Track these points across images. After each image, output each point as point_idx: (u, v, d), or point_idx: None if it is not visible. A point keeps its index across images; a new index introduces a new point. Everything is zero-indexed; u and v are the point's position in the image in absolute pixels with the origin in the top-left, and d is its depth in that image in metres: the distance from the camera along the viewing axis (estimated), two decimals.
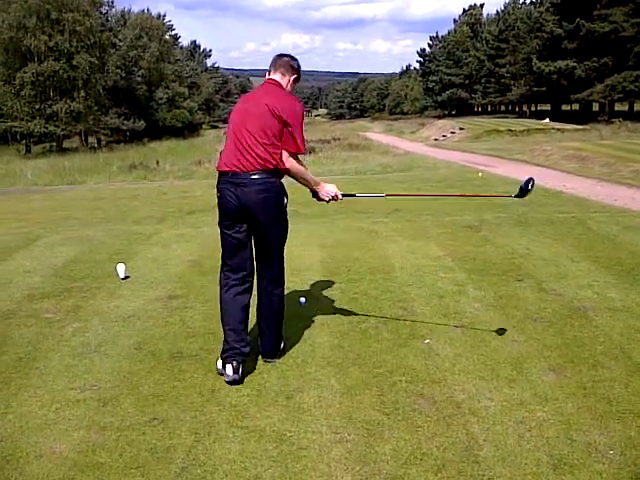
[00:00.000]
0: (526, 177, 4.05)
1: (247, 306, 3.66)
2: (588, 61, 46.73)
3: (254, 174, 3.48)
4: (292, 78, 3.76)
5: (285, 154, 3.58)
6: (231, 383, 3.47)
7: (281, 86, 3.71)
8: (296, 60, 3.79)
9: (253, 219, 3.55)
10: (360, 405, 3.24)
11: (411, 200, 10.92)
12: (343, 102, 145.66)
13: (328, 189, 3.97)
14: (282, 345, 3.88)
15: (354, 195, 4.39)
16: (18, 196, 15.52)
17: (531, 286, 5.22)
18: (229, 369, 3.46)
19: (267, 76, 3.75)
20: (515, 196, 4.09)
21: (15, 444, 2.94)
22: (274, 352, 3.82)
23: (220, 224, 3.63)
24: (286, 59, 3.76)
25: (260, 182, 3.49)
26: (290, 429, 3.02)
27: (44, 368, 3.79)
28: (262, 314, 3.79)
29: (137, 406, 3.29)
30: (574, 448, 2.82)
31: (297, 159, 3.69)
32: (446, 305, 4.77)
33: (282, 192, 3.66)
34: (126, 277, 5.70)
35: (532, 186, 4.01)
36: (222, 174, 3.56)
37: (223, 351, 3.56)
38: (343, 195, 4.03)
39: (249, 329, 3.72)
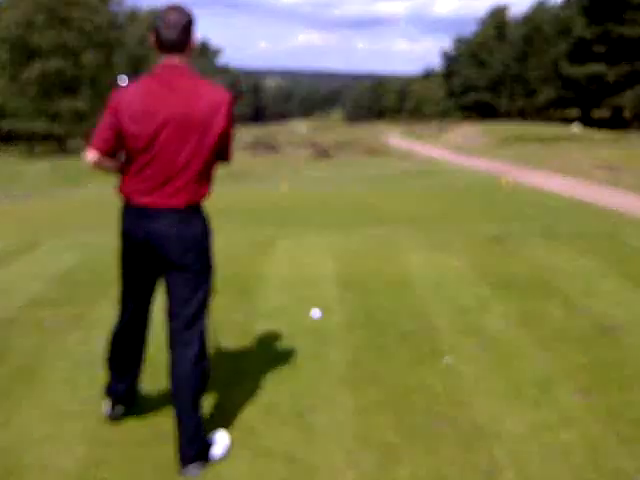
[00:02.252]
0: None
1: None
2: (618, 65, 46.54)
3: (187, 210, 3.09)
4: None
5: None
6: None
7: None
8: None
9: None
10: (376, 426, 3.24)
11: (431, 208, 10.93)
12: (361, 104, 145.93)
13: None
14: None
15: None
16: (20, 199, 15.70)
17: (558, 302, 5.19)
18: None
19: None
20: None
21: (17, 456, 2.97)
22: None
23: None
24: None
25: (182, 218, 3.08)
26: (301, 450, 3.02)
27: (46, 379, 3.82)
28: None
29: (141, 421, 3.30)
30: (601, 474, 2.80)
31: None
32: (468, 321, 4.76)
33: (206, 225, 3.12)
34: None
35: None
36: None
37: None
38: None
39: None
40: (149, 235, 2.88)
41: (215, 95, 2.90)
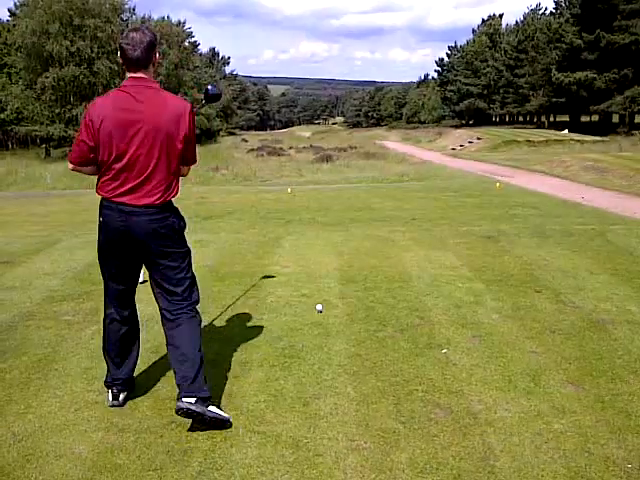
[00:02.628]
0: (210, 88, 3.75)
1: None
2: (608, 72, 46.48)
3: (163, 207, 3.35)
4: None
5: None
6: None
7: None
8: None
9: None
10: (376, 413, 3.25)
11: (428, 209, 10.93)
12: (360, 111, 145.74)
13: None
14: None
15: None
16: (38, 199, 15.71)
17: (549, 298, 5.20)
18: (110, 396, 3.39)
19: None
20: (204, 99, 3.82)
21: (35, 444, 2.98)
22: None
23: None
24: None
25: (158, 217, 3.34)
26: (306, 435, 3.04)
27: (63, 370, 3.84)
28: None
29: (155, 409, 3.32)
30: (591, 461, 2.81)
31: None
32: (463, 315, 4.77)
33: (179, 219, 3.36)
34: (144, 281, 5.74)
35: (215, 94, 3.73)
36: None
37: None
38: None
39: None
40: (130, 227, 3.08)
41: (178, 105, 3.10)
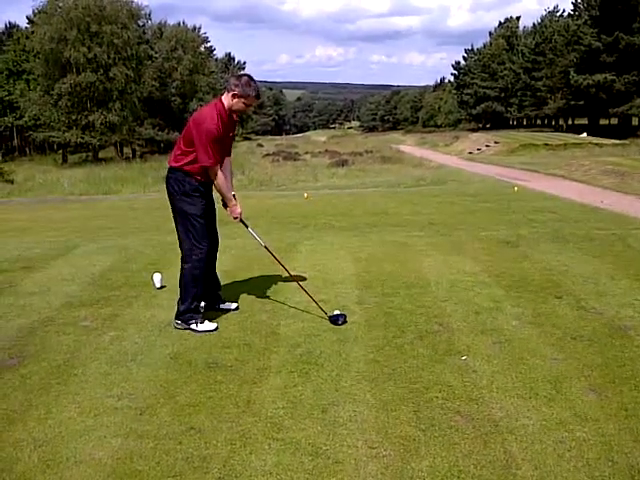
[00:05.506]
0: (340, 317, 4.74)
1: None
2: (627, 74, 46.11)
3: (169, 169, 4.63)
4: (230, 95, 4.44)
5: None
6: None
7: (222, 101, 4.47)
8: (239, 79, 4.45)
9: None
10: (396, 421, 3.23)
11: (445, 214, 10.89)
12: (376, 115, 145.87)
13: (235, 210, 4.73)
14: (183, 308, 4.66)
15: (247, 226, 4.93)
16: (55, 205, 15.88)
17: (570, 304, 5.15)
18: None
19: None
20: (329, 317, 4.76)
21: (55, 449, 3.01)
22: (177, 313, 4.68)
23: None
24: (230, 78, 4.56)
25: (167, 175, 4.64)
26: (326, 442, 3.03)
27: (82, 375, 3.87)
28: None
29: (174, 415, 3.33)
30: (615, 470, 2.77)
31: (216, 169, 4.49)
32: (483, 321, 4.74)
33: (176, 185, 4.56)
34: (162, 286, 5.79)
35: (342, 323, 4.68)
36: None
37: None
38: (241, 220, 4.81)
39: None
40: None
41: None
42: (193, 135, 4.39)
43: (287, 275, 5.37)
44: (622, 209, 11.42)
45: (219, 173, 4.50)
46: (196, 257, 4.60)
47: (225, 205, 4.74)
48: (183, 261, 4.68)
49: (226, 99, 4.47)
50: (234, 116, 4.61)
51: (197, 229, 4.59)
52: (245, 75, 4.56)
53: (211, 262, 4.93)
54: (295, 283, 5.30)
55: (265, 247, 4.98)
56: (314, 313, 4.93)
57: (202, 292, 4.72)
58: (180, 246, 4.70)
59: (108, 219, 11.23)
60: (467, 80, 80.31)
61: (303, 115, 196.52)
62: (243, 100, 4.45)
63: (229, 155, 4.81)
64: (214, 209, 4.86)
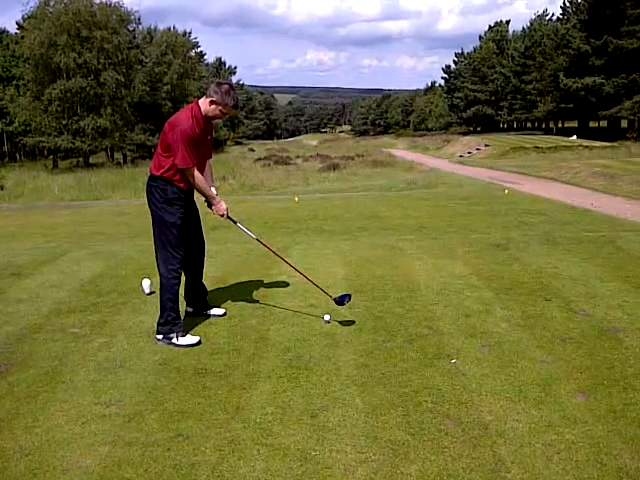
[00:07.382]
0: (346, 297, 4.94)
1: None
2: (616, 77, 46.44)
3: (150, 177, 4.55)
4: (207, 100, 4.42)
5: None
6: None
7: (198, 105, 4.45)
8: (220, 86, 4.42)
9: None
10: (385, 425, 3.23)
11: (436, 217, 10.91)
12: (367, 118, 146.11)
13: (220, 207, 4.67)
14: (162, 320, 4.55)
15: (235, 222, 4.87)
16: (45, 211, 15.80)
17: (559, 306, 5.16)
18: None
19: None
20: (334, 299, 4.92)
21: (42, 457, 2.98)
22: (157, 328, 4.57)
23: None
24: (212, 85, 4.50)
25: (148, 183, 4.57)
26: (315, 448, 3.02)
27: (70, 382, 3.84)
28: None
29: (162, 422, 3.31)
30: (604, 472, 2.78)
31: (193, 170, 4.41)
32: (473, 324, 4.74)
33: (157, 193, 4.48)
34: (151, 292, 5.76)
35: (347, 302, 4.90)
36: None
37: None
38: (228, 217, 4.72)
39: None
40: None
41: None
42: (168, 138, 4.35)
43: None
44: (612, 211, 11.48)
45: (196, 174, 4.43)
46: (172, 266, 4.53)
47: (210, 205, 4.69)
48: (158, 270, 4.61)
49: (203, 104, 4.43)
50: (211, 122, 4.56)
51: (173, 238, 4.52)
52: (227, 83, 4.52)
53: (197, 269, 4.92)
54: (284, 287, 5.29)
55: (257, 239, 5.01)
56: (304, 318, 4.93)
57: (177, 303, 4.60)
58: (156, 255, 4.63)
59: (98, 225, 11.19)
60: (457, 84, 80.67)
61: (294, 119, 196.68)
62: (220, 108, 4.40)
63: (210, 157, 4.78)
64: (198, 216, 4.82)
